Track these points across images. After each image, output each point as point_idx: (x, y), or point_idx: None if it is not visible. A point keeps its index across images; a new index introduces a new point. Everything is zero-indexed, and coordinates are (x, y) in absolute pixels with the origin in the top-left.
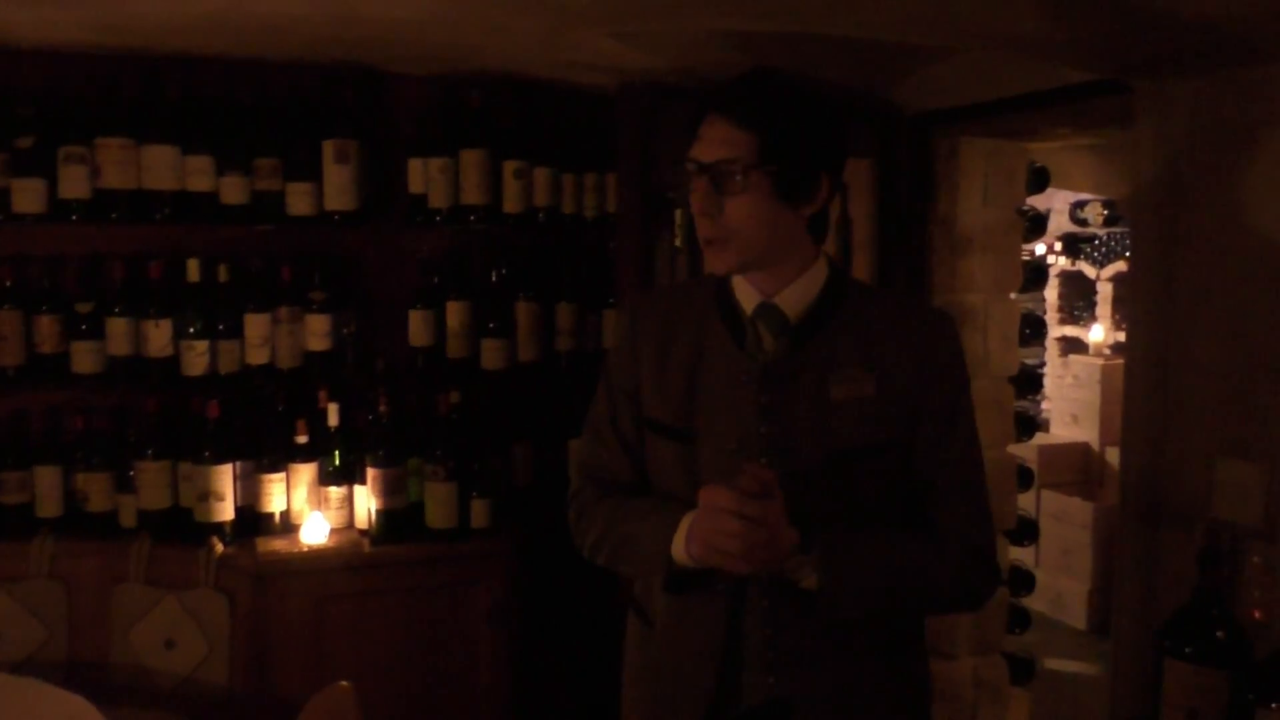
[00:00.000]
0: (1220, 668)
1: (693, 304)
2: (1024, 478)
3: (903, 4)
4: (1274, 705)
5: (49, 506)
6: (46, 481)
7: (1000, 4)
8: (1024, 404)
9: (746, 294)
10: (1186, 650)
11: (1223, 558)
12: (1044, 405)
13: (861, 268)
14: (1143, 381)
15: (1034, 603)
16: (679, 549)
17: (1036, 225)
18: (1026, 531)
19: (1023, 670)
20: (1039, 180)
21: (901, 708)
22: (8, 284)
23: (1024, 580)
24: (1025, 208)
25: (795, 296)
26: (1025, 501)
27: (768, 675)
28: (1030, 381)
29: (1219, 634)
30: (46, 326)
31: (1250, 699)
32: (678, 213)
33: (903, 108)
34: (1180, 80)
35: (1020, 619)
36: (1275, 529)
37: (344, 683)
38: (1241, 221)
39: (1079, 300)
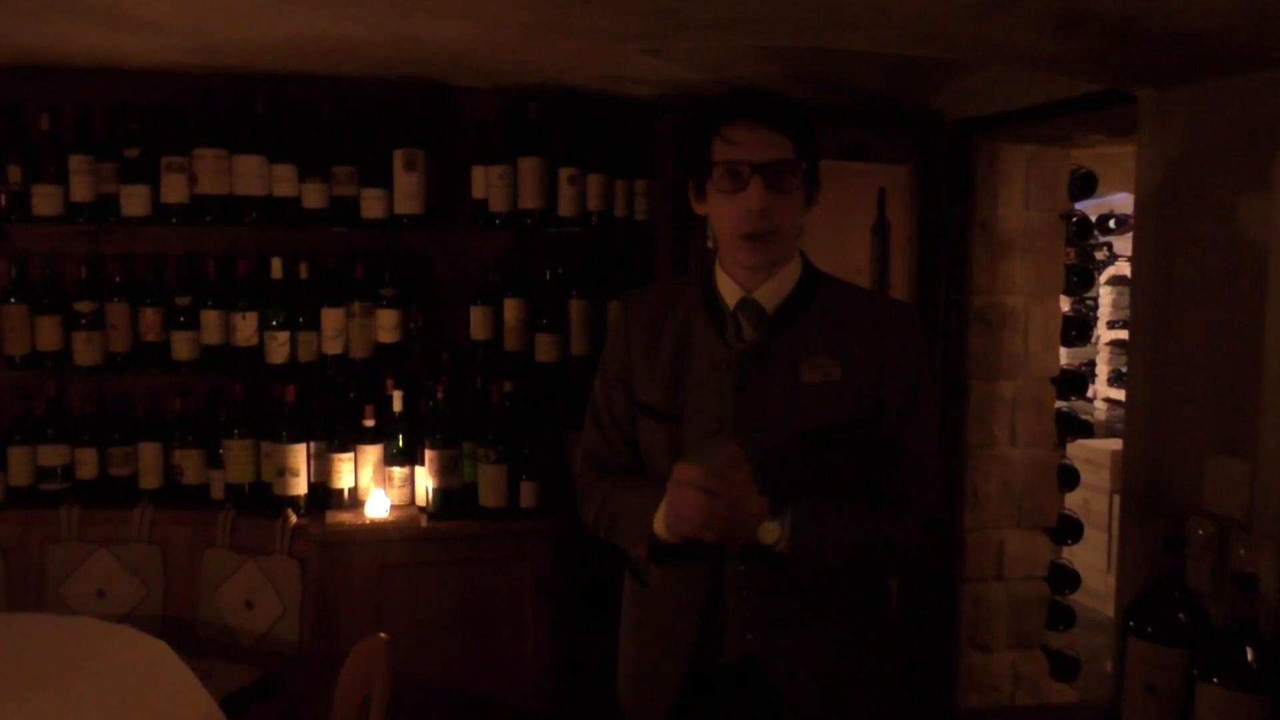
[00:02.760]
0: (1178, 646)
1: (680, 299)
2: (1069, 477)
3: (901, 23)
4: (1214, 680)
5: (150, 478)
6: (148, 456)
7: (993, 20)
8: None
9: (730, 289)
10: (1148, 630)
11: (1184, 544)
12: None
13: (899, 271)
14: (1142, 378)
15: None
16: (660, 524)
17: (1083, 229)
18: (1070, 530)
19: (1067, 667)
20: (1085, 185)
21: (872, 669)
22: (117, 279)
23: (1067, 578)
24: (1069, 211)
25: (773, 290)
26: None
27: (746, 633)
28: (1075, 383)
29: (1180, 615)
30: (150, 317)
31: (1193, 674)
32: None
33: (943, 114)
34: (1177, 89)
35: (1064, 616)
36: (1253, 522)
37: (381, 634)
38: (1230, 225)
39: None
